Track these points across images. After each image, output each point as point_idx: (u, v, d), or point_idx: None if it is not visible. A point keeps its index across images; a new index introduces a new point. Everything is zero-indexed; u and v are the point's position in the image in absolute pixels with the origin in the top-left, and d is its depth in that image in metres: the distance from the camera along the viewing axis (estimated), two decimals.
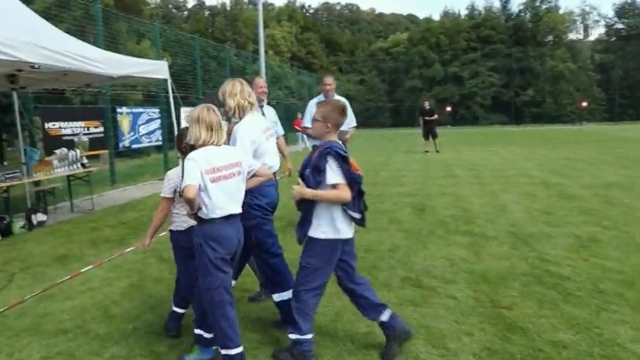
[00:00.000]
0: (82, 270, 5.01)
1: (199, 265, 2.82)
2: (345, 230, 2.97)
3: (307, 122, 6.25)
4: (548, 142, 21.15)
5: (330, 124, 2.98)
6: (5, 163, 9.85)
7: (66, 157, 8.05)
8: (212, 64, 20.82)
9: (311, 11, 78.02)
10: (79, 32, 10.76)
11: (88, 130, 10.25)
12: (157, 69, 7.61)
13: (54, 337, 3.49)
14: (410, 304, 3.89)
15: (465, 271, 4.66)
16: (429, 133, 17.79)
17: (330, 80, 6.15)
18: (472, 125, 42.02)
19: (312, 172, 2.91)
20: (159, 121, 13.41)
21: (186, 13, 61.53)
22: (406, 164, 14.31)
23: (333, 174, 2.84)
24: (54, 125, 9.43)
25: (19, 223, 6.95)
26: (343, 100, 3.11)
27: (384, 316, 3.10)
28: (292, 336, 3.01)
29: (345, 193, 2.84)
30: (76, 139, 9.11)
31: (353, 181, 2.86)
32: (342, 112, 3.03)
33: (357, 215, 2.95)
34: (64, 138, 9.49)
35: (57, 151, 8.05)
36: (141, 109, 12.90)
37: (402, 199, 8.53)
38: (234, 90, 3.48)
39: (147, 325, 3.65)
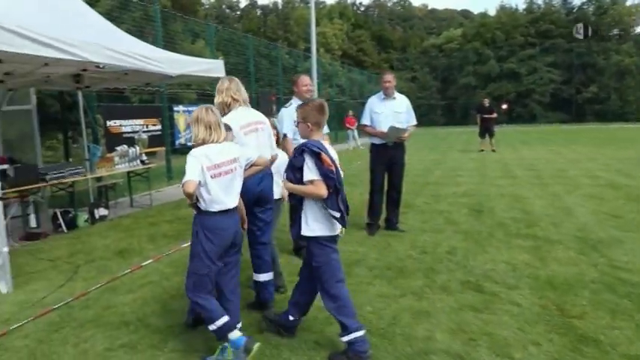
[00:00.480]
0: (142, 264, 5.15)
1: (193, 249, 2.98)
2: (328, 228, 3.07)
3: (366, 120, 6.15)
4: (613, 142, 20.05)
5: (310, 123, 3.09)
6: (70, 159, 10.32)
7: (126, 153, 8.34)
8: (263, 63, 21.05)
9: (362, 8, 77.52)
10: (138, 33, 11.11)
11: (146, 127, 10.58)
12: (214, 68, 7.72)
13: (116, 329, 3.58)
14: (470, 310, 3.73)
15: (529, 276, 4.43)
16: (487, 131, 17.25)
17: (389, 77, 6.01)
18: (529, 123, 40.53)
19: (292, 170, 3.06)
20: None
21: (238, 12, 62.71)
22: (461, 163, 13.94)
23: (309, 171, 2.96)
24: (115, 123, 9.78)
25: (83, 217, 7.25)
26: (319, 100, 3.21)
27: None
28: (345, 338, 3.03)
29: (320, 189, 2.94)
30: (135, 136, 9.42)
31: (326, 176, 2.94)
32: (320, 110, 3.12)
33: (336, 214, 3.00)
34: (125, 135, 9.82)
35: (118, 148, 8.35)
36: (196, 108, 13.18)
37: (458, 199, 8.28)
38: (221, 87, 3.74)
39: None
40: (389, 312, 3.73)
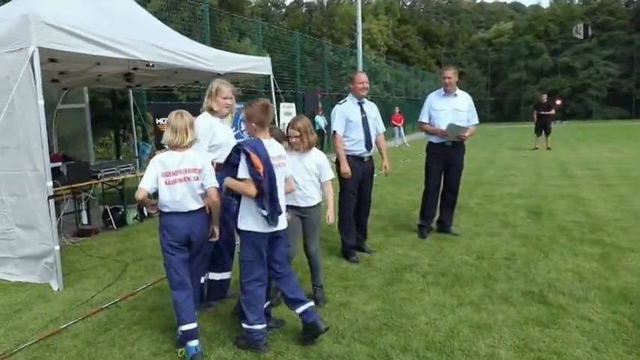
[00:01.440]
0: None
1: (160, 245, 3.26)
2: (262, 224, 3.13)
3: (424, 117, 5.86)
4: None
5: (254, 122, 3.20)
6: (121, 157, 10.52)
7: None
8: (308, 60, 20.95)
9: (408, 3, 76.15)
10: (186, 32, 11.19)
11: None
12: (261, 65, 7.65)
13: (162, 332, 3.50)
14: (536, 324, 3.43)
15: (599, 287, 4.07)
16: (543, 128, 16.47)
17: (449, 73, 5.63)
18: (584, 120, 38.69)
19: (230, 167, 3.19)
20: None
21: (284, 10, 62.98)
22: (514, 162, 13.34)
23: (242, 169, 3.10)
24: (164, 121, 9.87)
25: (132, 214, 7.33)
26: (264, 100, 3.31)
27: (299, 309, 3.24)
28: (244, 325, 3.18)
29: (249, 188, 3.07)
30: None
31: (253, 177, 3.06)
32: (265, 111, 3.21)
33: (264, 212, 3.10)
34: None
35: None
36: (242, 105, 13.20)
37: (513, 200, 7.86)
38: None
39: None
40: (445, 323, 3.49)
